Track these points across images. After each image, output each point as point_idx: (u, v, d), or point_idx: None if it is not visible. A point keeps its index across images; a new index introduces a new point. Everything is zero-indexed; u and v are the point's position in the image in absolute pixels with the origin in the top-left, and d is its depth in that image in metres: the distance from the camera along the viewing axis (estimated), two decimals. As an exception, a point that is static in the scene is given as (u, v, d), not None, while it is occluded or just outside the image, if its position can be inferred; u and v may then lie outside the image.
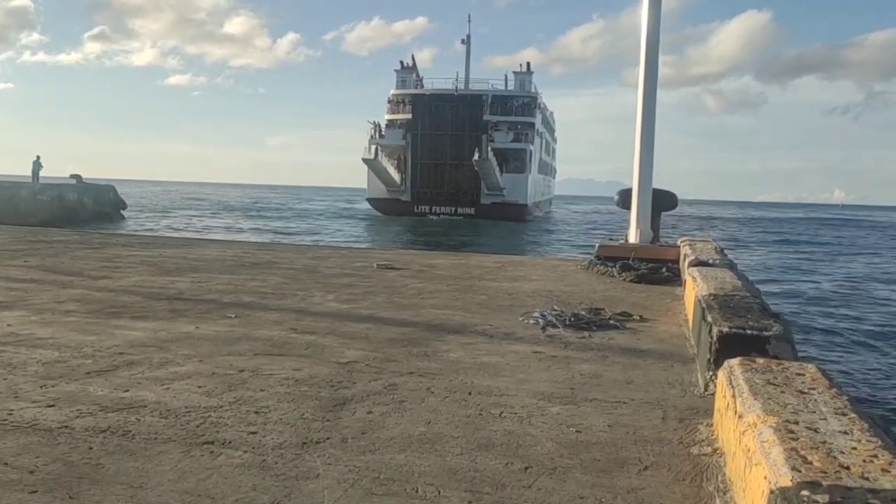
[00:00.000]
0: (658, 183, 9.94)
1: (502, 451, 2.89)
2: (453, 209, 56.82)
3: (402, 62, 65.18)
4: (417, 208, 57.53)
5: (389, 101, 63.53)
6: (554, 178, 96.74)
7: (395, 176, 58.55)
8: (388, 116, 62.46)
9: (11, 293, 6.15)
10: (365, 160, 56.38)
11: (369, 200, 61.37)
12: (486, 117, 58.21)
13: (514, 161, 58.06)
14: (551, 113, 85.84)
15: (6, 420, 3.05)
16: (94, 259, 8.87)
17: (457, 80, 62.24)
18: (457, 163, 54.87)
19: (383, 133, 60.85)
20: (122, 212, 45.35)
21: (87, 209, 41.09)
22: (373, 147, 58.09)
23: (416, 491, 2.50)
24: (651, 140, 9.60)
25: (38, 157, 39.90)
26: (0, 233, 12.47)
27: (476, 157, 51.43)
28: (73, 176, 44.08)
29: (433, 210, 56.96)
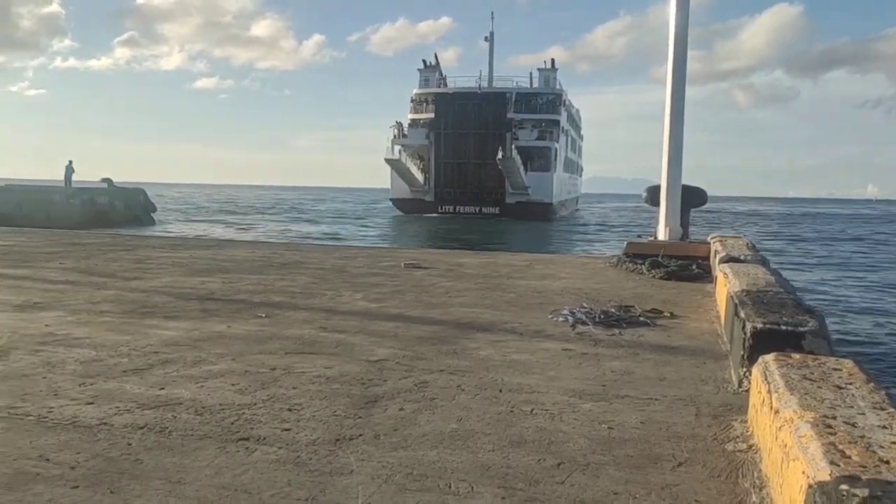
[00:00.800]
0: (686, 179, 9.86)
1: (534, 447, 2.90)
2: (477, 209, 56.52)
3: (424, 61, 64.92)
4: (441, 208, 57.33)
5: (412, 101, 63.20)
6: (581, 176, 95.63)
7: (419, 176, 58.26)
8: (411, 116, 62.14)
9: (48, 294, 6.28)
10: (388, 160, 56.11)
11: (392, 201, 61.28)
12: (510, 115, 57.72)
13: (538, 159, 57.42)
14: (577, 110, 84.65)
15: (47, 417, 3.13)
16: (127, 261, 9.02)
17: (480, 78, 61.87)
18: (480, 162, 54.54)
19: (406, 133, 60.65)
20: (151, 214, 46.00)
21: (118, 212, 41.76)
22: (396, 147, 57.85)
23: (449, 486, 2.51)
24: (680, 136, 9.52)
25: (70, 162, 40.68)
26: (35, 236, 12.71)
27: (500, 155, 50.94)
28: (104, 180, 44.81)
29: (457, 210, 56.68)
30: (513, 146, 52.55)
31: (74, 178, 41.18)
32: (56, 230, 16.07)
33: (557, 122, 61.28)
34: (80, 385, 3.60)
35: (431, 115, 58.63)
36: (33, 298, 6.04)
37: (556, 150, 59.22)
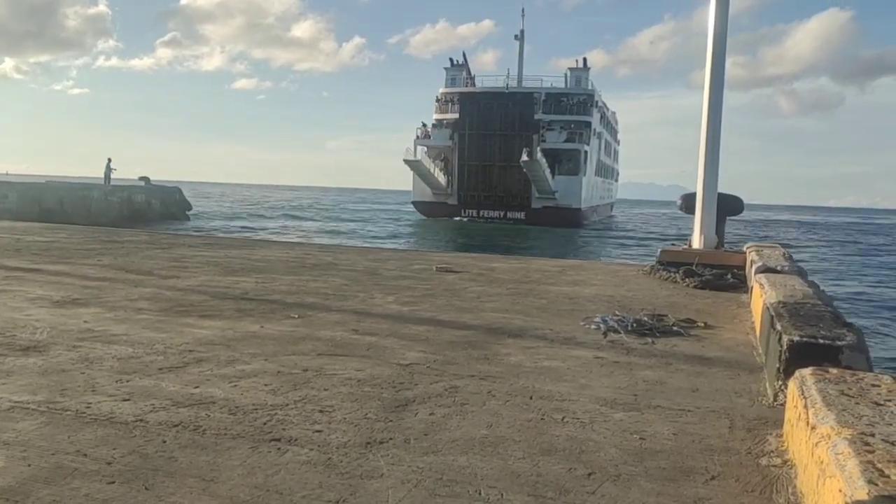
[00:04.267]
0: (724, 187, 9.75)
1: (565, 456, 2.88)
2: (502, 213, 54.43)
3: (451, 59, 63.36)
4: (464, 212, 55.28)
5: (437, 100, 61.36)
6: (616, 181, 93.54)
7: (441, 178, 56.21)
8: (435, 116, 60.32)
9: (87, 291, 6.41)
10: (406, 161, 53.68)
11: (414, 204, 59.27)
12: (538, 116, 55.56)
13: (567, 162, 55.25)
14: (613, 113, 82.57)
15: (84, 413, 3.19)
16: (163, 259, 9.16)
17: (508, 77, 59.50)
18: (506, 164, 52.41)
19: (430, 133, 58.88)
20: (187, 213, 46.69)
21: (155, 210, 42.51)
22: (419, 149, 55.94)
23: (479, 493, 2.51)
24: (717, 142, 9.41)
25: (110, 160, 41.52)
26: (75, 233, 12.98)
27: (524, 157, 48.89)
28: (141, 178, 45.64)
29: (480, 214, 54.72)
30: (538, 148, 50.14)
31: (114, 175, 42.02)
32: (95, 227, 16.40)
33: (588, 124, 58.97)
34: (117, 381, 3.67)
35: (456, 116, 56.42)
36: (72, 295, 6.17)
37: (585, 152, 56.80)
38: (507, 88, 57.43)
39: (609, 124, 76.76)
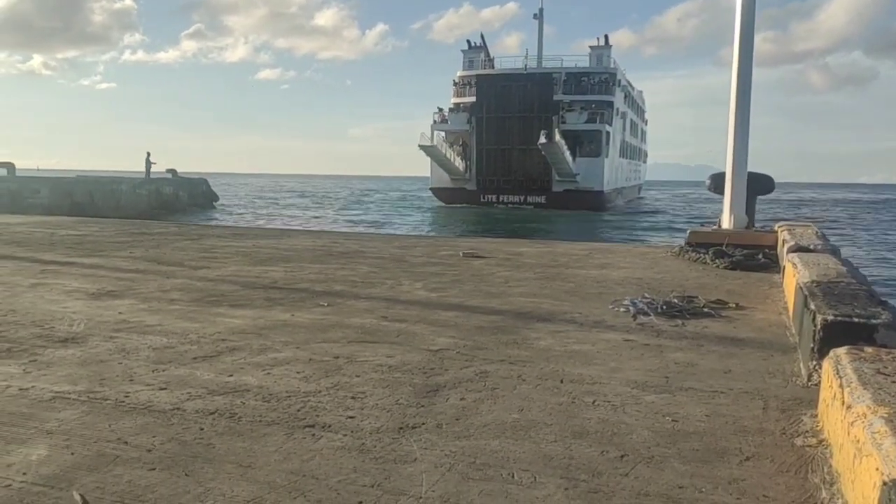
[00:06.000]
0: (753, 166, 9.63)
1: (597, 438, 2.90)
2: (522, 198, 52.46)
3: (469, 41, 61.19)
4: (484, 197, 53.50)
5: (455, 84, 59.66)
6: (644, 162, 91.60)
7: (458, 163, 54.56)
8: (453, 100, 58.63)
9: (121, 283, 6.52)
10: (422, 147, 51.66)
11: (432, 190, 57.66)
12: (558, 97, 53.44)
13: (588, 144, 52.90)
14: (640, 92, 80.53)
15: (123, 402, 3.27)
16: (193, 250, 9.28)
17: (526, 57, 57.83)
18: (525, 147, 49.99)
19: (447, 118, 57.06)
20: (214, 203, 47.13)
21: (182, 201, 42.98)
22: (437, 134, 54.32)
23: (512, 476, 2.54)
24: (746, 121, 9.29)
25: (149, 154, 42.15)
26: (107, 226, 13.19)
27: (542, 140, 46.77)
28: (168, 170, 46.09)
29: (500, 199, 52.99)
30: (556, 130, 47.91)
31: (142, 168, 42.69)
32: (125, 220, 16.63)
33: (611, 104, 56.73)
34: (153, 371, 3.74)
35: (473, 99, 54.34)
36: (107, 287, 6.28)
37: (608, 133, 54.55)
38: (526, 69, 55.69)
39: (635, 104, 74.70)
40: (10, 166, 37.78)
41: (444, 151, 53.23)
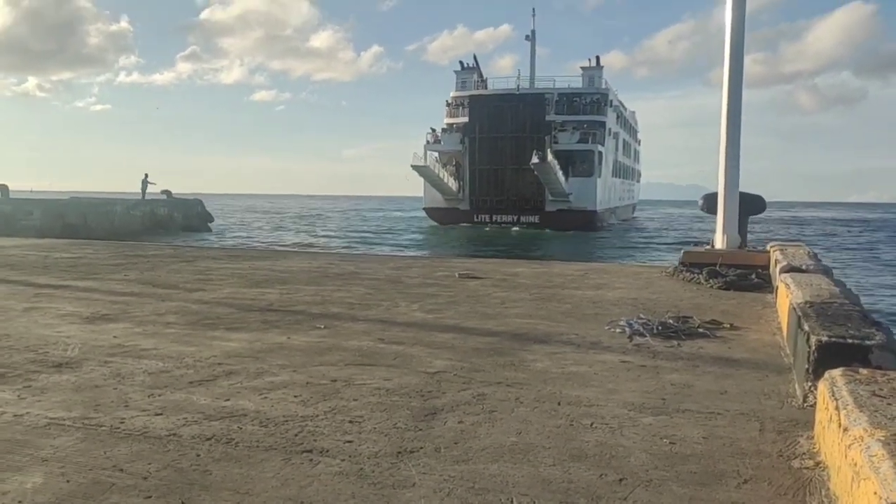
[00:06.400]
0: (745, 186, 9.68)
1: (595, 462, 2.89)
2: (515, 217, 52.44)
3: (461, 62, 61.57)
4: (477, 217, 53.42)
5: (448, 104, 59.51)
6: (638, 181, 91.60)
7: (451, 183, 54.50)
8: (446, 120, 58.53)
9: (115, 306, 6.50)
10: (414, 167, 51.63)
11: (426, 210, 57.48)
12: (550, 117, 53.68)
13: (581, 164, 52.96)
14: (632, 112, 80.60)
15: (119, 427, 3.24)
16: (188, 272, 9.26)
17: (519, 78, 57.92)
18: (518, 167, 50.24)
19: (440, 138, 56.98)
20: (209, 224, 47.06)
21: (177, 222, 42.94)
22: (430, 154, 54.25)
23: (511, 501, 2.52)
24: (737, 141, 9.36)
25: (147, 176, 42.17)
26: (101, 248, 13.15)
27: (535, 160, 46.73)
28: (163, 191, 46.06)
29: (493, 219, 52.86)
30: (548, 150, 47.76)
31: (138, 189, 42.73)
32: (120, 241, 16.58)
33: (603, 124, 56.71)
34: (149, 396, 3.72)
35: (466, 119, 54.48)
36: (101, 310, 6.26)
37: (600, 153, 54.54)
38: (518, 90, 55.77)
39: (627, 124, 74.82)
40: (3, 188, 37.71)
41: (436, 171, 53.19)
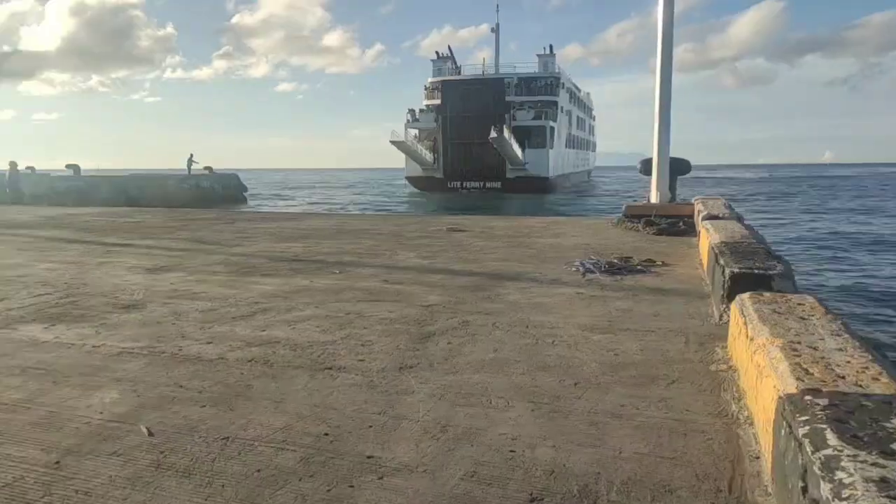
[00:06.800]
0: (675, 152, 9.63)
1: (556, 371, 2.93)
2: (482, 184, 51.40)
3: (437, 52, 59.98)
4: (450, 184, 52.37)
5: (425, 88, 58.08)
6: (593, 151, 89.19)
7: (427, 155, 53.27)
8: (424, 102, 57.17)
9: (171, 259, 6.46)
10: (393, 142, 50.46)
11: (407, 178, 56.33)
12: (510, 98, 52.78)
13: (535, 137, 52.07)
14: (587, 93, 79.19)
15: (177, 354, 3.26)
16: (229, 232, 9.19)
17: (484, 65, 57.49)
18: (482, 142, 48.76)
19: (418, 118, 55.86)
20: (244, 194, 46.54)
21: (218, 193, 42.40)
22: (410, 131, 53.28)
23: (490, 402, 2.57)
24: (667, 116, 9.28)
25: (192, 155, 41.48)
26: (157, 214, 13.01)
27: (492, 134, 45.89)
28: (206, 168, 45.37)
29: (464, 185, 51.83)
30: (503, 126, 47.02)
31: (193, 167, 42.10)
32: (172, 209, 16.40)
33: (555, 103, 55.51)
34: (201, 329, 3.73)
35: (440, 101, 53.24)
36: (160, 263, 6.22)
37: (550, 128, 53.25)
38: (483, 75, 54.87)
39: (581, 103, 73.50)
40: (76, 167, 37.11)
41: (411, 146, 51.82)
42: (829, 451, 1.40)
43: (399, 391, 2.70)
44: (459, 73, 57.51)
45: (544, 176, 51.85)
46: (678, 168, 9.91)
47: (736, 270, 3.61)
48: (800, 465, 1.48)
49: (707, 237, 5.30)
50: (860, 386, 1.78)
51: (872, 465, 1.33)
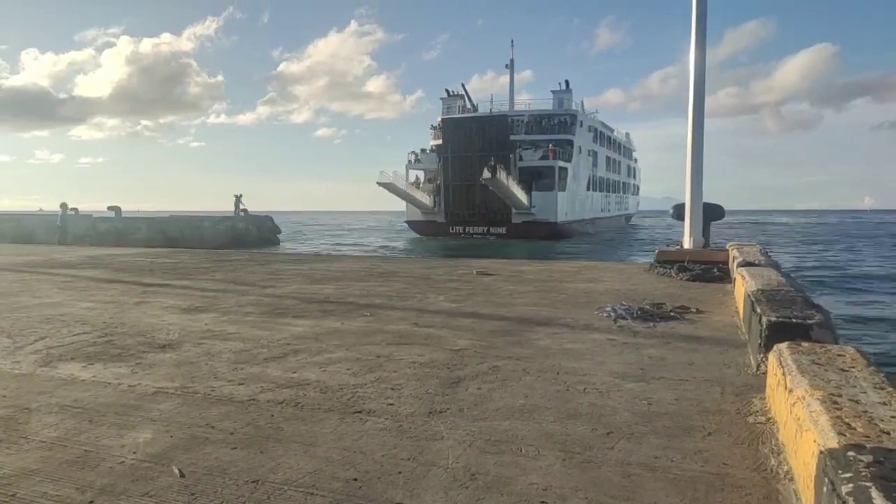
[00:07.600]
0: (709, 197, 9.57)
1: (587, 419, 2.89)
2: (486, 229, 47.50)
3: (447, 90, 57.05)
4: (452, 229, 48.56)
5: (432, 128, 55.44)
6: (634, 194, 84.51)
7: (425, 198, 49.58)
8: (431, 142, 54.27)
9: (206, 300, 6.59)
10: (380, 183, 46.66)
11: (408, 223, 52.57)
12: (518, 137, 49.56)
13: (546, 178, 47.87)
14: (627, 134, 77.62)
15: (210, 394, 3.30)
16: (262, 273, 9.36)
17: (491, 102, 54.76)
18: (484, 183, 44.71)
19: (420, 159, 52.95)
20: (277, 236, 47.40)
21: (253, 235, 43.29)
22: (412, 172, 50.88)
23: (521, 450, 2.53)
24: (700, 160, 9.26)
25: (240, 196, 42.51)
26: (194, 255, 13.32)
27: (485, 175, 41.45)
28: (241, 210, 46.50)
29: (466, 230, 48.07)
30: (495, 166, 42.24)
31: (216, 207, 43.15)
32: (208, 250, 16.78)
33: (571, 142, 51.58)
34: (233, 370, 3.78)
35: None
36: (195, 303, 6.35)
37: (560, 168, 48.85)
38: (490, 113, 51.48)
39: (615, 143, 70.27)
40: (117, 209, 38.43)
41: (405, 188, 48.75)
42: (874, 511, 1.35)
43: (428, 437, 2.68)
44: (476, 111, 54.58)
45: (553, 221, 47.55)
46: (712, 213, 9.83)
47: (773, 319, 3.53)
48: (844, 525, 1.42)
49: (743, 284, 5.21)
50: (906, 442, 1.72)
51: (921, 527, 1.28)
